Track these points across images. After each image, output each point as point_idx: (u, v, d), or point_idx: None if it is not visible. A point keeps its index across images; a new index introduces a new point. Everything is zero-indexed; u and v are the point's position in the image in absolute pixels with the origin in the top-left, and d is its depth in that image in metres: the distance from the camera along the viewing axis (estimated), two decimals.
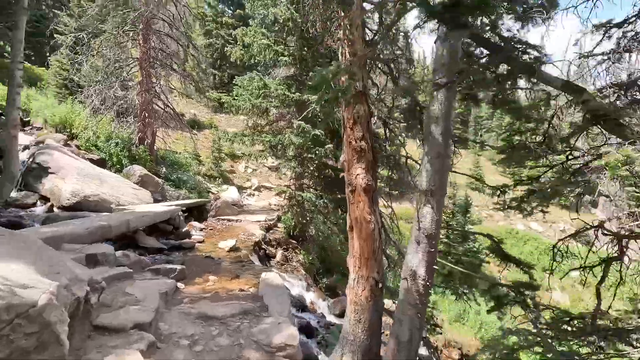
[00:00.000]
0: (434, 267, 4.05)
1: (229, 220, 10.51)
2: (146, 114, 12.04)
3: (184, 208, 10.64)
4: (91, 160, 10.61)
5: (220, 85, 26.74)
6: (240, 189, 16.94)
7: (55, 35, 13.82)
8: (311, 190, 8.87)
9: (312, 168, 8.86)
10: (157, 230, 7.28)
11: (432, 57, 4.95)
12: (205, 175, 16.36)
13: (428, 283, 3.96)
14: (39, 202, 7.11)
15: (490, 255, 4.77)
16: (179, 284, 4.53)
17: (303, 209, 9.03)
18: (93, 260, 4.03)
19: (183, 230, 7.62)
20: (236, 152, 19.91)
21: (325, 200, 8.33)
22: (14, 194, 6.97)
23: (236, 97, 9.19)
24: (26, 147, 8.39)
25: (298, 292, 7.32)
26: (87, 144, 11.28)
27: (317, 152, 8.09)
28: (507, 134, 5.14)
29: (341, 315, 6.95)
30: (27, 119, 12.04)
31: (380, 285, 4.71)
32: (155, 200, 10.21)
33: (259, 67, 13.04)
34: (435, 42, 3.70)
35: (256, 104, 9.11)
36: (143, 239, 6.26)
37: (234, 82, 9.69)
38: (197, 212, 10.77)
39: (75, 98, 12.95)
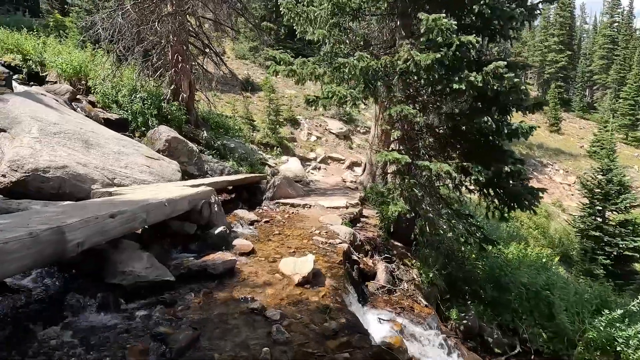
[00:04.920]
0: None
1: (292, 205, 6.98)
2: (179, 57, 8.74)
3: (230, 187, 7.36)
4: (108, 121, 7.66)
5: (276, 42, 23.07)
6: (304, 160, 13.43)
7: None
8: (439, 160, 4.87)
9: (450, 118, 4.81)
10: (169, 234, 3.91)
11: None
12: (259, 144, 13.06)
13: None
14: None
15: None
16: None
17: (416, 191, 5.09)
18: None
19: (218, 230, 4.16)
20: (297, 116, 16.34)
21: (480, 177, 4.29)
22: None
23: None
24: None
25: None
26: (104, 100, 8.37)
27: (474, 79, 3.99)
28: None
29: None
30: (44, 74, 9.50)
31: None
32: (188, 175, 6.97)
33: None
34: None
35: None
36: (121, 262, 2.87)
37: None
38: (247, 193, 7.40)
39: (99, 46, 10.15)
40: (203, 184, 5.02)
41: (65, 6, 11.30)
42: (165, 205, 3.46)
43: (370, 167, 10.66)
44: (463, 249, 6.36)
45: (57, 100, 5.62)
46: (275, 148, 13.20)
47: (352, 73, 4.70)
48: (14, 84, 7.72)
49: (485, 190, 5.10)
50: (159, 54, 8.71)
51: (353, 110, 18.51)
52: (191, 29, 9.21)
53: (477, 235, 5.08)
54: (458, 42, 4.07)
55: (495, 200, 5.19)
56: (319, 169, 13.71)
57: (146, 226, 3.52)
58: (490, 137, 5.10)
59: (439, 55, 3.99)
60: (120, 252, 3.03)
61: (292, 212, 6.64)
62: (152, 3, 8.06)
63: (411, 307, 4.61)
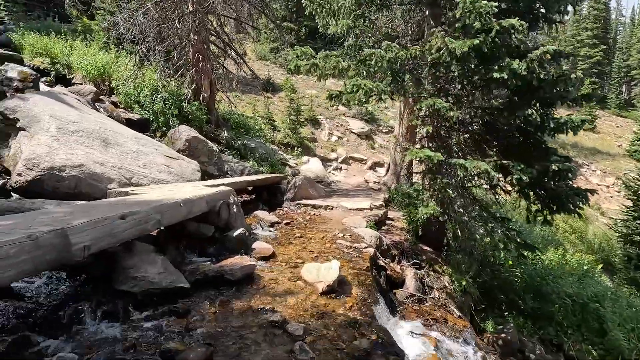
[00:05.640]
0: None
1: (314, 206, 6.71)
2: (200, 56, 8.66)
3: (250, 187, 7.17)
4: (129, 121, 7.65)
5: (297, 42, 22.95)
6: (325, 160, 13.14)
7: None
8: (475, 158, 4.44)
9: (486, 113, 4.40)
10: (186, 236, 3.70)
11: None
12: (280, 144, 12.88)
13: None
14: None
15: None
16: None
17: (449, 192, 4.67)
18: None
19: (236, 232, 3.92)
20: (318, 116, 16.09)
21: (523, 176, 3.83)
22: None
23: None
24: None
25: None
26: (127, 100, 8.39)
27: (518, 67, 3.57)
28: None
29: None
30: (70, 76, 9.67)
31: None
32: (208, 175, 6.83)
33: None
34: None
35: None
36: (133, 266, 2.67)
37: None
38: (267, 194, 7.18)
39: (122, 47, 10.26)
40: (222, 184, 4.81)
41: (92, 10, 11.50)
42: (181, 205, 3.25)
43: (394, 167, 10.25)
44: (497, 254, 5.87)
45: (78, 100, 5.58)
46: (296, 148, 12.99)
47: (379, 65, 4.36)
48: (42, 86, 7.84)
49: (526, 191, 4.63)
50: (179, 54, 8.66)
51: (375, 109, 18.10)
52: (212, 27, 9.13)
53: (517, 240, 4.62)
54: (498, 27, 3.67)
55: (538, 203, 4.71)
56: (341, 169, 13.39)
57: (162, 228, 3.34)
58: (532, 133, 4.64)
59: (477, 42, 3.60)
60: (132, 256, 2.83)
61: (314, 214, 6.36)
62: (173, 2, 8.00)
63: (444, 318, 4.21)
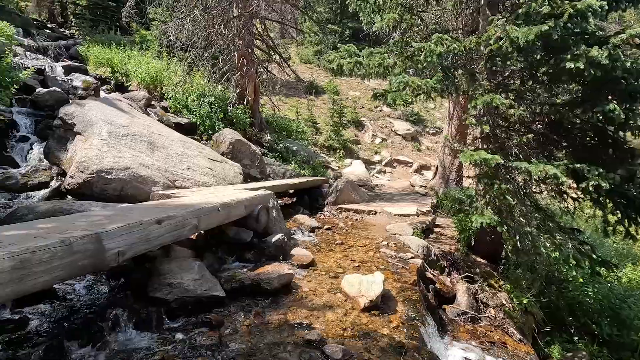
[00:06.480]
0: None
1: (356, 211, 6.45)
2: (245, 61, 8.78)
3: (291, 190, 7.07)
4: (178, 125, 7.94)
5: (341, 43, 22.77)
6: (368, 163, 12.79)
7: None
8: (539, 160, 3.90)
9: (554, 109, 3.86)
10: (224, 241, 3.63)
11: None
12: (322, 147, 12.75)
13: None
14: (54, 180, 4.26)
15: None
16: None
17: (509, 199, 4.16)
18: None
19: (275, 238, 3.78)
20: (361, 118, 15.75)
21: (602, 182, 3.25)
22: (22, 169, 4.29)
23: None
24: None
25: None
26: (176, 105, 8.73)
27: (598, 54, 3.04)
28: None
29: None
30: (127, 84, 10.32)
31: None
32: (250, 178, 6.85)
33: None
34: None
35: None
36: (169, 272, 2.61)
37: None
38: (308, 197, 7.04)
39: (173, 55, 10.76)
40: (263, 187, 4.73)
41: (147, 21, 12.22)
42: (219, 210, 3.17)
43: (443, 170, 9.65)
44: (565, 270, 5.17)
45: (130, 105, 5.84)
46: (338, 151, 12.78)
47: (429, 60, 4.00)
48: (102, 93, 8.41)
49: (601, 199, 3.99)
50: (225, 59, 8.85)
51: (421, 109, 17.38)
52: (256, 32, 9.24)
53: (592, 256, 3.99)
54: (572, 11, 3.17)
55: (617, 212, 4.04)
56: (384, 172, 12.94)
57: (201, 232, 3.29)
58: (611, 132, 4.00)
59: (546, 28, 3.13)
60: (169, 261, 2.79)
61: (356, 219, 6.10)
62: (220, 8, 8.19)
63: (502, 341, 3.73)
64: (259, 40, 9.58)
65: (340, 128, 13.36)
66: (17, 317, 2.09)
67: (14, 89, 5.52)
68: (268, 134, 9.38)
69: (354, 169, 11.12)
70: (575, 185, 4.30)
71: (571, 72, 3.26)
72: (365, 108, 16.88)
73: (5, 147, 4.62)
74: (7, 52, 6.09)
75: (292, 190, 6.90)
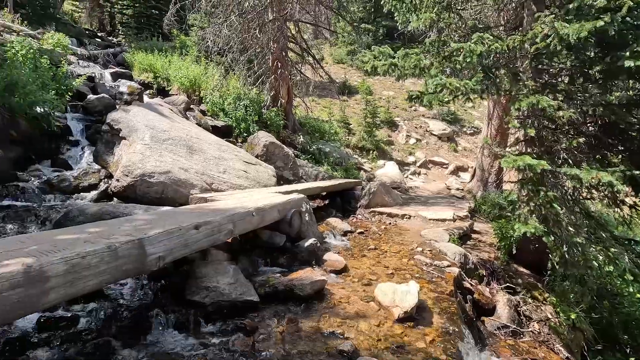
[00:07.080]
0: None
1: (389, 215, 6.33)
2: (279, 64, 8.90)
3: (323, 193, 7.08)
4: (215, 128, 8.20)
5: (375, 43, 22.52)
6: (402, 165, 12.53)
7: None
8: (591, 166, 3.60)
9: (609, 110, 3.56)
10: (258, 245, 3.69)
11: None
12: (355, 148, 12.66)
13: None
14: (102, 183, 4.55)
15: None
16: None
17: (557, 207, 3.88)
18: None
19: (308, 243, 3.80)
20: (394, 118, 15.46)
21: None
22: (74, 171, 4.61)
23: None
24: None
25: None
26: (213, 108, 9.01)
27: None
28: None
29: None
30: (168, 88, 10.83)
31: None
32: (283, 180, 6.93)
33: None
34: None
35: None
36: (206, 275, 2.69)
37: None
38: (340, 200, 7.00)
39: (210, 59, 11.13)
40: (296, 190, 4.76)
41: (186, 27, 12.73)
42: (253, 215, 3.22)
43: (481, 172, 9.25)
44: (620, 284, 4.76)
45: (171, 110, 6.12)
46: (371, 152, 12.63)
47: (468, 60, 3.83)
48: (145, 97, 8.87)
49: None
50: (260, 62, 9.02)
51: (458, 108, 16.75)
52: (290, 34, 9.33)
53: None
54: (632, 3, 2.90)
55: None
56: (419, 174, 12.62)
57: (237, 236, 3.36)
58: None
59: (601, 24, 2.88)
60: (206, 264, 2.87)
61: (390, 223, 5.99)
62: (255, 13, 8.36)
63: (547, 359, 3.50)
64: (292, 43, 9.67)
65: (373, 128, 13.19)
66: (69, 315, 2.24)
67: (68, 96, 5.96)
68: (301, 136, 9.45)
69: (387, 171, 10.93)
70: (633, 193, 3.96)
71: (630, 71, 2.99)
72: (399, 108, 16.55)
73: (60, 151, 4.99)
74: (62, 61, 6.58)
75: (325, 193, 6.89)
